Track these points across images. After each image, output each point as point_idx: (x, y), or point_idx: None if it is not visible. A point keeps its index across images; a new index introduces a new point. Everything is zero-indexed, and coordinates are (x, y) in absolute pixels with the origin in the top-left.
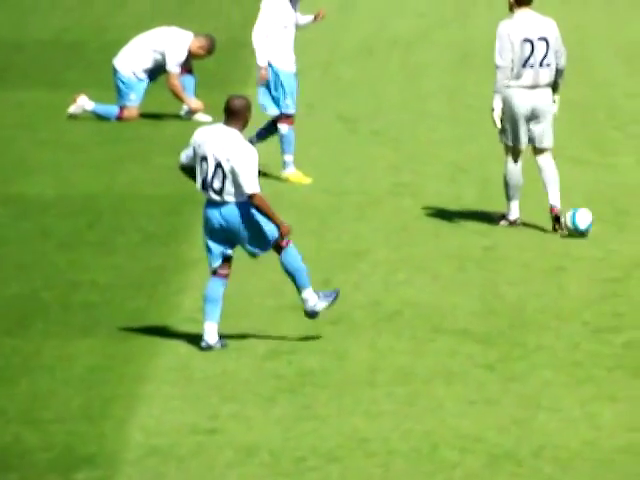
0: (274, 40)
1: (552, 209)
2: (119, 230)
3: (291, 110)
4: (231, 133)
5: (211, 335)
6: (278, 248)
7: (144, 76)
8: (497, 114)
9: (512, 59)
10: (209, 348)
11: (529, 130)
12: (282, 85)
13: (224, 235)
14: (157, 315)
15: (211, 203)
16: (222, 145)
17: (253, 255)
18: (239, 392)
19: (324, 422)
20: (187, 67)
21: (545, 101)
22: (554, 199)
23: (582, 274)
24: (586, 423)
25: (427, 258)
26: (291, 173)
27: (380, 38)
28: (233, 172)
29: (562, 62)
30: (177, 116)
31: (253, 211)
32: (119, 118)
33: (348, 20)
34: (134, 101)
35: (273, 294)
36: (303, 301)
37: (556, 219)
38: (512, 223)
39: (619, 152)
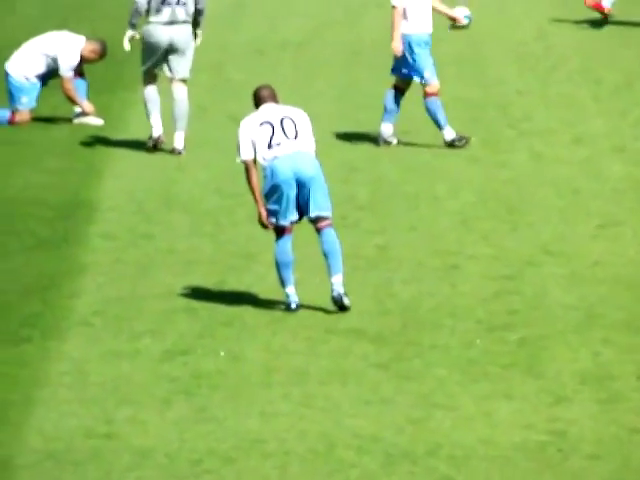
0: None
1: (174, 150)
2: (12, 235)
3: None
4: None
5: (295, 295)
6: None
7: (36, 80)
8: (127, 39)
9: None
10: (298, 308)
11: (167, 61)
12: None
13: (296, 187)
14: (51, 319)
15: (283, 156)
16: (282, 109)
17: (314, 219)
18: (134, 395)
19: (220, 424)
20: (79, 71)
21: (183, 36)
22: (179, 142)
23: (475, 272)
24: (481, 421)
25: (320, 258)
26: None
27: (270, 39)
28: (303, 125)
29: (202, 4)
30: (69, 120)
31: (320, 166)
32: (11, 122)
33: (238, 21)
34: (26, 105)
35: (166, 296)
36: (331, 285)
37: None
38: (156, 140)
39: (512, 149)
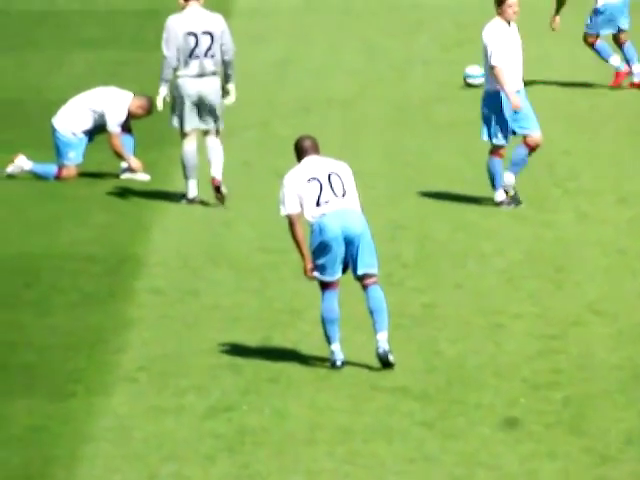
0: None
1: (214, 180)
2: (57, 290)
3: None
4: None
5: (341, 353)
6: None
7: (83, 135)
8: (160, 99)
9: (178, 50)
10: (343, 365)
11: (199, 115)
12: None
13: (344, 244)
14: (96, 375)
15: (331, 213)
16: (327, 163)
17: (361, 276)
18: (178, 451)
19: None
20: (126, 127)
21: (211, 88)
22: (216, 172)
23: (520, 331)
24: None
25: (365, 316)
26: None
27: (316, 96)
28: (349, 181)
29: (229, 56)
30: (115, 175)
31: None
32: (57, 177)
33: (284, 78)
34: (73, 160)
35: (211, 352)
36: (377, 342)
37: (217, 189)
38: (191, 201)
39: (557, 208)
